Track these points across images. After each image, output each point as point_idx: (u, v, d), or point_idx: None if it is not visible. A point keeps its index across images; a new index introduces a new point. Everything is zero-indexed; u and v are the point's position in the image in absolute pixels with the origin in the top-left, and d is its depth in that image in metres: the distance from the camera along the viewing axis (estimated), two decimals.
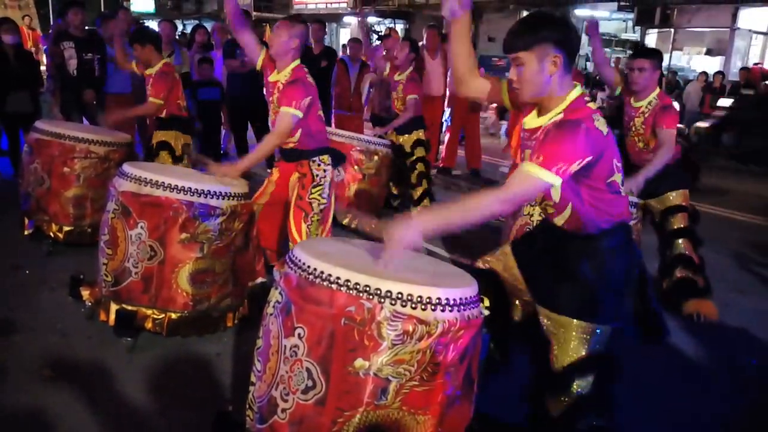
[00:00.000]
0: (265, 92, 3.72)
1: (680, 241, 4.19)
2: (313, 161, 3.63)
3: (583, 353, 2.26)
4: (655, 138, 3.96)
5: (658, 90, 4.04)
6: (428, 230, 2.06)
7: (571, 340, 2.26)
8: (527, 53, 2.07)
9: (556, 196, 2.18)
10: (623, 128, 4.20)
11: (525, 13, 19.74)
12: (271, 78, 3.58)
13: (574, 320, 2.25)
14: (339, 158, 3.84)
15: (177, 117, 4.93)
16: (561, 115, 2.08)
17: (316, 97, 3.56)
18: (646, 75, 3.95)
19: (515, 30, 2.12)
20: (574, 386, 2.28)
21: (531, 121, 2.22)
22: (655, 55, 4.07)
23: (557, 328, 2.29)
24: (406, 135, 5.79)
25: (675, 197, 4.19)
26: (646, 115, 4.01)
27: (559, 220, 2.27)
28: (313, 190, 3.61)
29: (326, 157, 3.68)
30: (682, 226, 4.19)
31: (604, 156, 2.05)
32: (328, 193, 3.67)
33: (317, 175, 3.63)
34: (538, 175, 1.95)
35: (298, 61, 3.55)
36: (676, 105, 4.02)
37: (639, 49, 4.24)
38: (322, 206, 3.63)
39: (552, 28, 2.07)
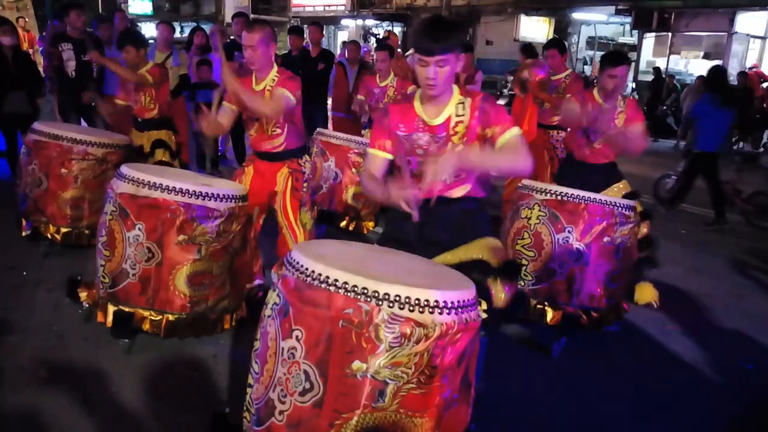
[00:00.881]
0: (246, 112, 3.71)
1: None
2: (301, 159, 3.81)
3: (501, 255, 2.62)
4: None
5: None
6: (467, 162, 2.31)
7: (488, 250, 2.59)
8: (452, 55, 2.36)
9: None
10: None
11: (522, 17, 19.80)
12: (256, 88, 3.58)
13: (479, 239, 2.60)
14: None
15: (167, 117, 5.10)
16: (464, 100, 2.50)
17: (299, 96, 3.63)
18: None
19: (440, 34, 2.35)
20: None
21: (435, 119, 2.52)
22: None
23: (474, 247, 2.58)
24: None
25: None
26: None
27: (460, 191, 2.58)
28: (304, 184, 3.83)
29: (307, 155, 3.92)
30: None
31: None
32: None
33: (304, 172, 3.83)
34: (519, 133, 2.48)
35: (275, 66, 3.61)
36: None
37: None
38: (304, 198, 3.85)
39: (461, 31, 2.36)
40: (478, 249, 2.57)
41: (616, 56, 4.19)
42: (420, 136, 2.54)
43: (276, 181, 3.76)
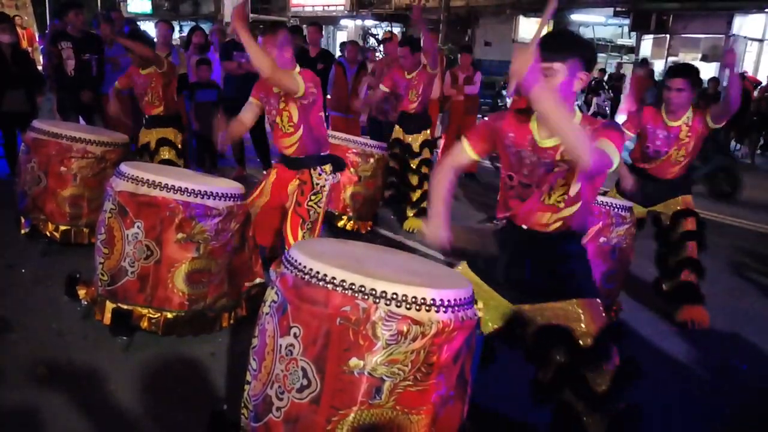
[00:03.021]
0: (268, 115, 3.69)
1: (689, 244, 4.24)
2: (314, 169, 3.67)
3: (600, 324, 2.36)
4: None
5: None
6: (541, 93, 1.90)
7: (583, 316, 2.36)
8: (562, 65, 2.16)
9: (575, 189, 2.28)
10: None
11: (522, 19, 19.84)
12: (276, 90, 3.54)
13: (576, 299, 2.37)
14: (340, 165, 3.87)
15: (173, 115, 5.11)
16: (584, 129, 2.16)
17: (320, 98, 3.59)
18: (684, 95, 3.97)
19: (554, 40, 2.20)
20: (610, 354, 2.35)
21: (546, 141, 2.28)
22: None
23: (564, 310, 2.38)
24: (415, 134, 5.83)
25: (680, 202, 4.27)
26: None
27: (553, 218, 2.33)
28: (312, 198, 3.65)
29: (328, 167, 3.71)
30: (691, 229, 4.25)
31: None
32: (325, 201, 3.71)
33: (317, 184, 3.66)
34: (612, 155, 2.11)
35: (298, 68, 3.56)
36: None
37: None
38: (316, 215, 3.67)
39: (586, 47, 2.24)
40: (567, 312, 2.37)
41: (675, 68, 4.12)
42: (527, 155, 2.33)
43: (288, 194, 3.72)
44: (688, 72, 3.97)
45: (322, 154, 3.72)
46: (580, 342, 2.34)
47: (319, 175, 3.68)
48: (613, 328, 2.44)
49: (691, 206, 4.28)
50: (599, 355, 2.35)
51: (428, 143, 5.88)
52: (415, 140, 5.82)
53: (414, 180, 5.81)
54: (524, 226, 2.40)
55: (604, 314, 2.40)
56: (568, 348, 2.36)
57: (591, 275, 2.50)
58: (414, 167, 5.81)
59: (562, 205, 2.32)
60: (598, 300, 2.42)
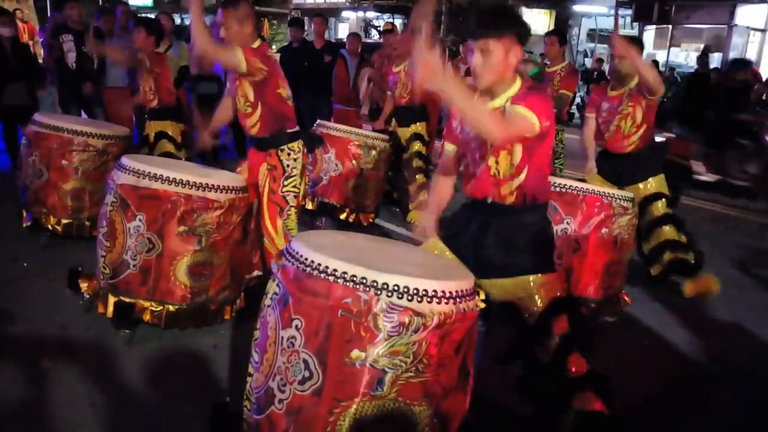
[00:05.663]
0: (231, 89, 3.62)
1: (665, 227, 4.27)
2: (282, 150, 3.52)
3: (548, 300, 2.45)
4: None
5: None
6: (447, 88, 2.04)
7: (536, 294, 2.44)
8: (496, 42, 2.24)
9: (517, 156, 2.36)
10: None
11: (523, 9, 19.75)
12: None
13: (532, 276, 2.45)
14: (313, 142, 3.76)
15: (167, 107, 5.07)
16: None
17: (276, 74, 3.45)
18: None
19: (483, 19, 2.28)
20: (554, 328, 2.43)
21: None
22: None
23: (516, 288, 2.46)
24: (405, 127, 5.81)
25: (652, 185, 4.27)
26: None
27: (507, 189, 2.42)
28: (286, 183, 3.51)
29: (296, 144, 3.56)
30: (663, 212, 4.27)
31: (551, 131, 2.32)
32: (301, 181, 3.58)
33: (288, 165, 3.52)
34: (530, 118, 2.19)
35: (258, 41, 3.46)
36: None
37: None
38: (295, 199, 3.56)
39: (517, 21, 2.32)
40: (518, 290, 2.46)
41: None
42: (467, 129, 2.48)
43: (258, 174, 3.57)
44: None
45: (289, 131, 3.56)
46: (527, 318, 2.46)
47: (288, 155, 3.52)
48: (556, 305, 2.46)
49: (660, 189, 4.28)
50: (540, 332, 2.44)
51: (419, 137, 5.83)
52: (404, 133, 5.82)
53: (407, 173, 5.80)
54: (486, 199, 2.48)
55: (559, 292, 2.48)
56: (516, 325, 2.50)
57: (551, 249, 2.60)
58: (406, 159, 5.80)
59: (510, 173, 2.40)
60: (555, 275, 2.52)
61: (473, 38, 2.29)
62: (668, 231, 4.28)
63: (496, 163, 2.40)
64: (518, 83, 2.35)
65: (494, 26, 2.26)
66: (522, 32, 2.31)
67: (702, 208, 7.30)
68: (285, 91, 3.54)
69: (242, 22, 3.36)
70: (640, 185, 4.25)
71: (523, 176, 2.39)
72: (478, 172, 2.46)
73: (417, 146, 5.80)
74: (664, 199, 4.27)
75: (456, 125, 2.55)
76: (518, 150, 2.35)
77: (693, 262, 4.34)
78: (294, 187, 3.54)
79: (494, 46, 2.24)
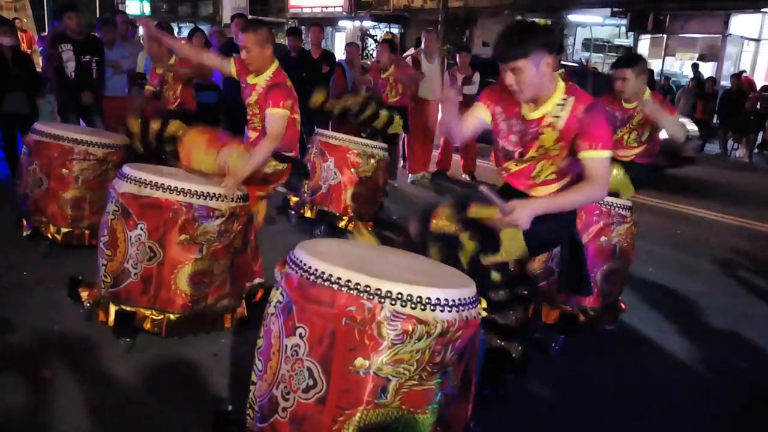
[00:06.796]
0: (242, 95, 3.84)
1: None
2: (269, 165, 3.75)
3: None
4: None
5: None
6: (542, 209, 2.39)
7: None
8: (525, 60, 2.33)
9: (564, 163, 2.57)
10: None
11: (519, 19, 19.85)
12: (250, 80, 3.73)
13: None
14: (300, 169, 4.13)
15: (185, 111, 5.30)
16: (566, 100, 2.47)
17: (295, 101, 3.67)
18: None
19: (512, 38, 2.37)
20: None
21: (531, 113, 2.54)
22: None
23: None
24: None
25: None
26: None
27: (542, 191, 2.62)
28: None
29: (282, 165, 3.84)
30: None
31: None
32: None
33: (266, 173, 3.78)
34: (606, 157, 2.40)
35: (276, 64, 3.62)
36: None
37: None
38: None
39: (541, 34, 2.40)
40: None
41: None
42: (515, 123, 2.60)
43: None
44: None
45: (285, 154, 3.85)
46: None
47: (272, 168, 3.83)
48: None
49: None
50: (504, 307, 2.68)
51: (376, 115, 6.17)
52: (356, 101, 6.22)
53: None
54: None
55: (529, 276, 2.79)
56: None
57: (552, 239, 2.74)
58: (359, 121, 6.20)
59: (552, 177, 2.60)
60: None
61: (502, 62, 2.39)
62: None
63: (540, 171, 2.61)
64: (561, 86, 2.50)
65: (520, 46, 2.35)
66: (549, 42, 2.40)
67: (692, 215, 7.33)
68: (297, 115, 3.73)
69: (263, 45, 3.58)
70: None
71: (565, 181, 2.59)
72: (517, 169, 2.66)
73: (397, 119, 6.33)
74: None
75: (500, 113, 2.65)
76: (566, 159, 2.53)
77: None
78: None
79: (524, 64, 2.35)
